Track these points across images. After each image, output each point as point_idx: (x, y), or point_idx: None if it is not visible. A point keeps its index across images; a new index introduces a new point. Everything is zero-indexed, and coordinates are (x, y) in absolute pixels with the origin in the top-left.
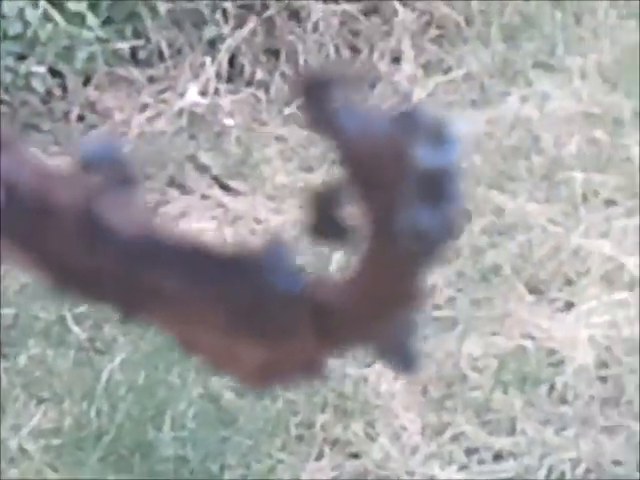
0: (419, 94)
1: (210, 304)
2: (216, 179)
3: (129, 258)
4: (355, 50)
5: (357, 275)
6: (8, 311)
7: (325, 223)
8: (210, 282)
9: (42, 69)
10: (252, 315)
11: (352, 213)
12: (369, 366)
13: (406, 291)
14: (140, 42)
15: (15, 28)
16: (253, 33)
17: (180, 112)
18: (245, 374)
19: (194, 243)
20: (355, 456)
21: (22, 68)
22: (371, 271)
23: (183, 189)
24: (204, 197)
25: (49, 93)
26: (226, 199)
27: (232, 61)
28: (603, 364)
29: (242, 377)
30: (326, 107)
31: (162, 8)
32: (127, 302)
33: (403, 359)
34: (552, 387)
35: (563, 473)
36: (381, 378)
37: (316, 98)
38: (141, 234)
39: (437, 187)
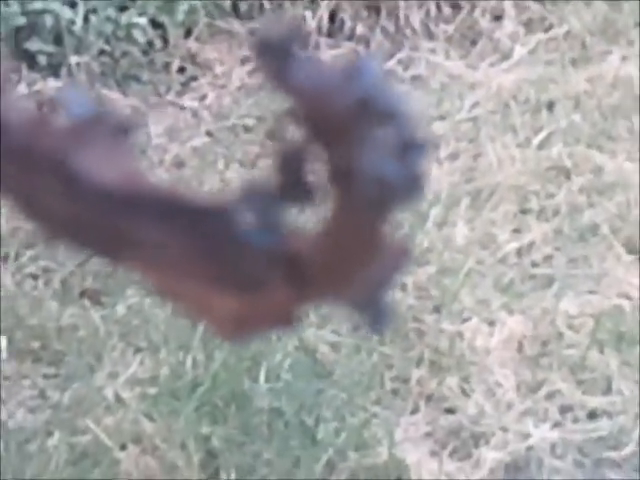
0: (520, 52)
1: (186, 254)
2: None
3: (108, 207)
4: (456, 7)
5: (327, 228)
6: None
7: (292, 184)
8: (187, 232)
9: (143, 20)
10: (227, 266)
11: (317, 171)
12: (465, 322)
13: (374, 244)
14: None
15: None
16: None
17: None
18: (219, 323)
19: (173, 193)
20: (449, 411)
21: (123, 19)
22: (339, 224)
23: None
24: None
25: (150, 44)
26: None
27: (333, 16)
28: None
29: (216, 326)
30: (282, 63)
31: None
32: (107, 250)
33: (374, 313)
34: None
35: None
36: (477, 334)
37: (272, 54)
38: (120, 184)
39: (397, 135)
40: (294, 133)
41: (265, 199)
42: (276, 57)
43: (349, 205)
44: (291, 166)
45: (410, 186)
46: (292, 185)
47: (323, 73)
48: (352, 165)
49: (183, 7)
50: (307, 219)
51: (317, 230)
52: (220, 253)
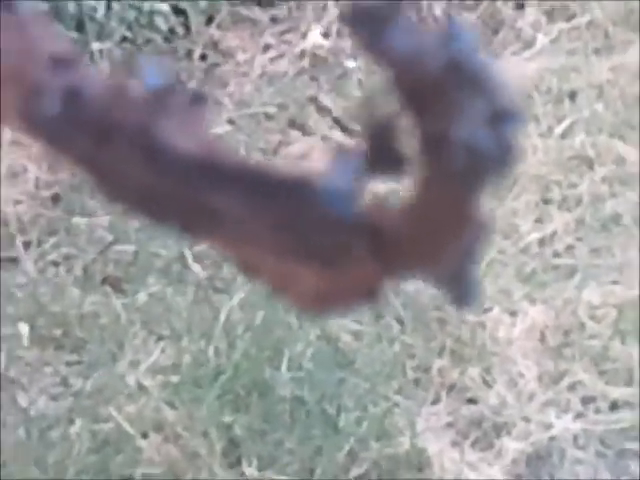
0: (542, 40)
1: (269, 227)
2: (337, 121)
3: (189, 179)
4: None
5: (414, 201)
6: (128, 248)
7: (382, 154)
8: (269, 204)
9: (166, 7)
10: (310, 239)
11: (408, 142)
12: (487, 312)
13: (463, 217)
14: None
15: None
16: None
17: (302, 53)
18: (302, 298)
19: (254, 166)
20: (471, 401)
21: (146, 6)
22: (427, 196)
23: (304, 130)
24: (325, 139)
25: (172, 31)
26: (347, 141)
27: None
28: None
29: (299, 301)
30: (375, 29)
31: None
32: (186, 222)
33: (461, 288)
34: None
35: None
36: (499, 324)
37: (365, 22)
38: (201, 155)
39: (493, 108)
40: (386, 102)
41: (352, 168)
42: (370, 23)
43: (439, 176)
44: (382, 135)
45: (502, 157)
46: (382, 155)
47: (417, 39)
48: (444, 134)
49: None
50: (394, 190)
51: (403, 202)
52: (303, 226)
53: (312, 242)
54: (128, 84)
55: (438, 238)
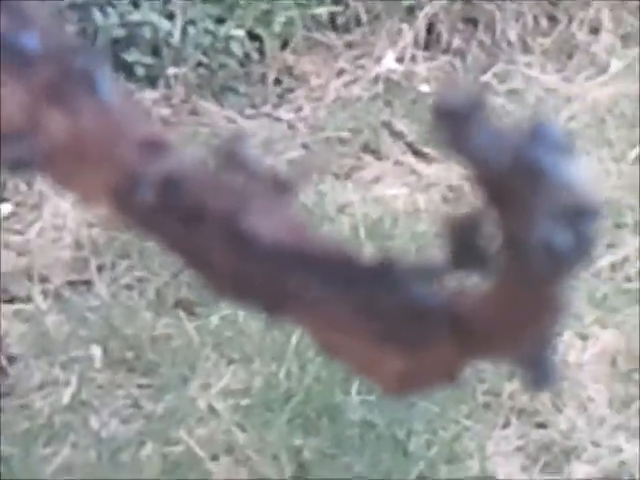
0: (617, 65)
1: (353, 311)
2: (410, 145)
3: (275, 265)
4: (553, 19)
5: (496, 289)
6: None
7: (466, 251)
8: (354, 291)
9: (241, 32)
10: (394, 324)
11: (492, 239)
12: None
13: (543, 307)
14: (339, 8)
15: None
16: (451, 1)
17: (376, 78)
18: (385, 381)
19: (340, 250)
20: (541, 426)
21: (221, 31)
22: (509, 287)
23: (377, 155)
24: (398, 163)
25: (247, 56)
26: (420, 166)
27: (429, 28)
28: None
29: (382, 384)
30: (459, 129)
31: None
32: (272, 306)
33: (541, 373)
34: None
35: None
36: (569, 348)
37: (449, 120)
38: (288, 241)
39: (573, 206)
40: (471, 200)
41: (436, 267)
42: (455, 122)
43: (519, 272)
44: (466, 232)
45: (581, 256)
46: (466, 251)
47: (501, 139)
48: (525, 234)
49: (280, 19)
50: (475, 281)
51: (484, 291)
52: (386, 311)
53: (394, 326)
54: (220, 170)
55: (518, 325)
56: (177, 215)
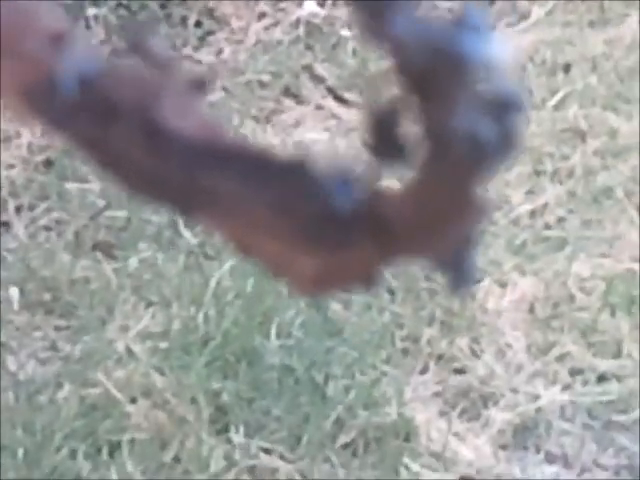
0: (538, 13)
1: (268, 210)
2: (331, 90)
3: (189, 161)
4: None
5: (415, 187)
6: (120, 214)
7: (386, 141)
8: (269, 188)
9: None
10: (311, 224)
11: (410, 130)
12: (477, 283)
13: (464, 203)
14: None
15: None
16: None
17: (297, 22)
18: (301, 281)
19: (255, 148)
20: (459, 372)
21: None
22: (428, 183)
23: (298, 99)
24: (318, 107)
25: None
26: (340, 110)
27: None
28: None
29: (297, 284)
30: (380, 14)
31: None
32: (186, 204)
33: (459, 274)
34: None
35: None
36: (488, 295)
37: (369, 5)
38: (202, 137)
39: (495, 95)
40: (389, 90)
41: (350, 160)
42: (374, 7)
43: (440, 164)
44: (386, 121)
45: (505, 146)
46: (385, 143)
47: (422, 24)
48: (447, 123)
49: None
50: (392, 176)
51: (403, 188)
52: (302, 211)
53: (311, 227)
54: (129, 63)
55: (438, 224)
56: (91, 112)
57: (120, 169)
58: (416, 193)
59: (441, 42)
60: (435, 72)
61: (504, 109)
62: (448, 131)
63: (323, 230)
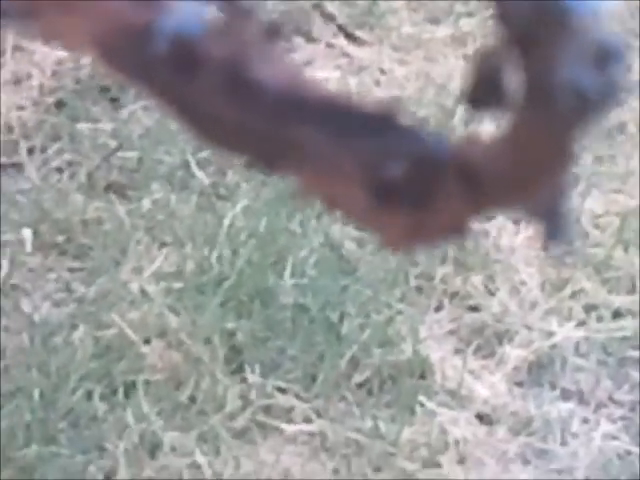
0: None
1: (357, 163)
2: (341, 28)
3: (275, 112)
4: None
5: (510, 137)
6: (132, 154)
7: (484, 88)
8: (358, 141)
9: None
10: (400, 176)
11: (510, 77)
12: (490, 220)
13: (560, 155)
14: None
15: None
16: None
17: None
18: (390, 236)
19: (341, 98)
20: (474, 309)
21: None
22: (526, 133)
23: (308, 37)
24: (329, 46)
25: None
26: (351, 48)
27: None
28: None
29: (386, 238)
30: None
31: None
32: (271, 156)
33: (554, 224)
34: None
35: None
36: (502, 232)
37: None
38: (288, 88)
39: (598, 47)
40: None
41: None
42: None
43: (540, 115)
44: (486, 70)
45: (608, 97)
46: (485, 89)
47: None
48: (549, 75)
49: None
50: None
51: (497, 137)
52: (391, 163)
53: (399, 179)
54: (215, 18)
55: (533, 174)
56: (175, 65)
57: (203, 122)
58: (511, 143)
59: None
60: (538, 23)
61: (607, 59)
62: (551, 83)
63: (412, 182)
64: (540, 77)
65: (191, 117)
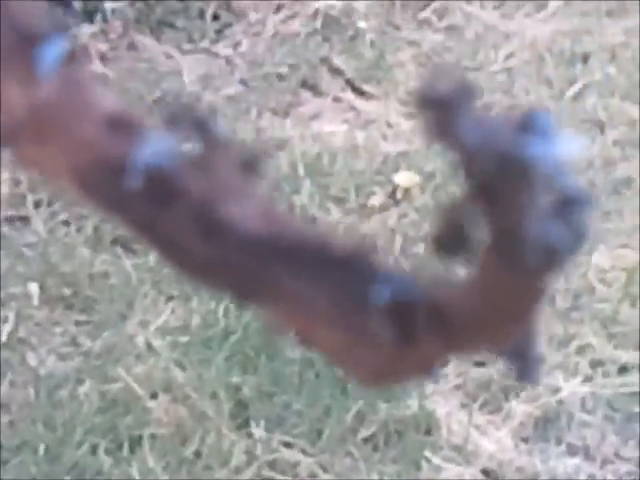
0: (556, 2)
1: (330, 302)
2: (349, 82)
3: (247, 252)
4: None
5: (478, 282)
6: None
7: (451, 237)
8: (330, 280)
9: None
10: (373, 317)
11: (477, 227)
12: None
13: (529, 301)
14: None
15: None
16: None
17: (315, 14)
18: (362, 374)
19: (315, 237)
20: (480, 364)
21: None
22: (492, 280)
23: (316, 91)
24: (336, 100)
25: None
26: (358, 102)
27: None
28: None
29: (359, 376)
30: (446, 118)
31: None
32: (245, 294)
33: (523, 365)
34: None
35: None
36: None
37: (435, 109)
38: (260, 229)
39: (564, 197)
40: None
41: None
42: (441, 110)
43: (507, 266)
44: (453, 220)
45: (575, 248)
46: (452, 239)
47: (490, 128)
48: (514, 228)
49: None
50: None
51: (467, 281)
52: (364, 303)
53: (372, 319)
54: (192, 152)
55: (501, 319)
56: (148, 199)
57: (175, 255)
58: (480, 287)
59: (507, 147)
60: (501, 177)
61: (573, 208)
62: (517, 237)
63: (384, 323)
64: (506, 230)
65: (164, 250)
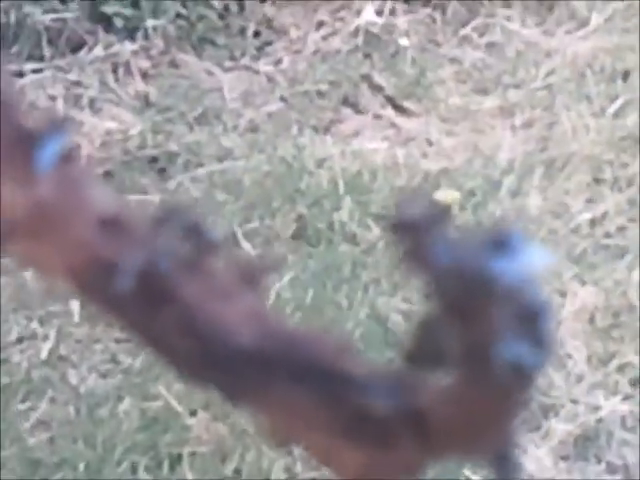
0: (597, 19)
1: (314, 406)
2: (389, 99)
3: (237, 356)
4: None
5: (454, 390)
6: None
7: (424, 351)
8: (314, 386)
9: None
10: (354, 421)
11: (450, 342)
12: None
13: (503, 411)
14: None
15: None
16: None
17: (356, 31)
18: (344, 474)
19: (301, 344)
20: None
21: None
22: (467, 390)
23: (356, 108)
24: (377, 117)
25: (226, 8)
26: (399, 119)
27: None
28: None
29: (339, 475)
30: (417, 243)
31: None
32: (232, 395)
33: (502, 467)
34: None
35: None
36: None
37: (407, 233)
38: (252, 336)
39: (532, 320)
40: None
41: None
42: (414, 235)
43: (479, 379)
44: (426, 334)
45: (542, 359)
46: (425, 352)
47: (463, 253)
48: (485, 346)
49: None
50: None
51: (443, 389)
52: (346, 408)
53: (354, 423)
54: (186, 255)
55: (478, 425)
56: (141, 299)
57: (165, 355)
58: (456, 395)
59: (474, 268)
60: (467, 293)
61: (537, 322)
62: (487, 355)
63: (365, 427)
64: (475, 347)
65: (155, 349)
